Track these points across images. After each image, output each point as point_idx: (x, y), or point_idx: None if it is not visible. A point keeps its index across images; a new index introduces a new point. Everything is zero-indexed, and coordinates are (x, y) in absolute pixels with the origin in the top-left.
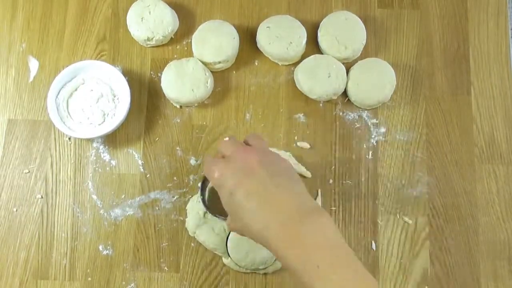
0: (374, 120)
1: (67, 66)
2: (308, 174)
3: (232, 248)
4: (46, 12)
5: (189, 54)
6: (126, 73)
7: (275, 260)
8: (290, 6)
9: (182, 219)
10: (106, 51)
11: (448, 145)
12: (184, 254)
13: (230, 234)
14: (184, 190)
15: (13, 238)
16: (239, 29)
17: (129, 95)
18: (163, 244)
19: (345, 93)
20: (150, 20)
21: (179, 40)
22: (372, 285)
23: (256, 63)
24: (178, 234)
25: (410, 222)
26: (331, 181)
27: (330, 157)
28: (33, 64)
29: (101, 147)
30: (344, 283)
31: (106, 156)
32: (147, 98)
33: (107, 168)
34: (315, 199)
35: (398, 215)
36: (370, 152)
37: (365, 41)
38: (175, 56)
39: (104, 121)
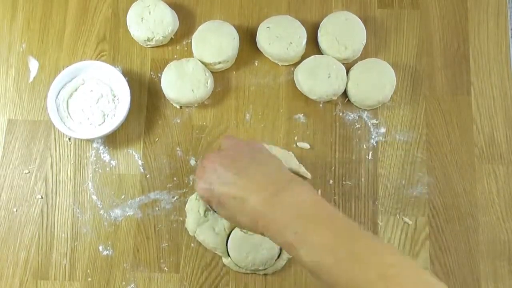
0: (374, 121)
1: (67, 66)
2: (308, 175)
3: (232, 248)
4: (46, 12)
5: (189, 54)
6: (126, 74)
7: (275, 261)
8: (290, 6)
9: (182, 219)
10: (106, 51)
11: (448, 145)
12: (184, 254)
13: (230, 234)
14: (184, 190)
15: (13, 238)
16: (239, 29)
17: (129, 95)
18: (163, 245)
19: (345, 94)
20: (150, 20)
21: (179, 40)
22: (358, 235)
23: (256, 63)
24: (178, 234)
25: (410, 222)
26: (331, 181)
27: (330, 157)
28: (33, 64)
29: (101, 147)
30: (326, 242)
31: (106, 157)
32: (147, 98)
33: (107, 169)
34: None
35: (398, 215)
36: (370, 153)
37: (365, 41)
38: (175, 56)
39: (104, 121)
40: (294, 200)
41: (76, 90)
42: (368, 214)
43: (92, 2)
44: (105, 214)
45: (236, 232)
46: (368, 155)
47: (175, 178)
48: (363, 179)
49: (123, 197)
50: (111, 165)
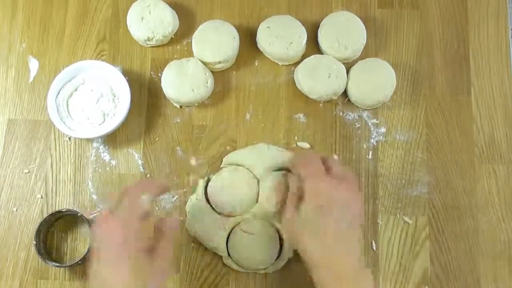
0: (374, 120)
1: (67, 66)
2: None
3: (232, 248)
4: (46, 12)
5: (189, 54)
6: (126, 73)
7: (275, 261)
8: (290, 6)
9: (182, 219)
10: (106, 51)
11: (448, 145)
12: (184, 254)
13: (230, 234)
14: (184, 190)
15: (13, 238)
16: (239, 29)
17: (129, 95)
18: None
19: (345, 93)
20: (150, 20)
21: (179, 40)
22: None
23: (256, 63)
24: (178, 234)
25: (410, 222)
26: None
27: None
28: (33, 64)
29: (101, 147)
30: None
31: (106, 156)
32: (147, 98)
33: (107, 168)
34: None
35: (398, 215)
36: (370, 152)
37: (365, 41)
38: (175, 56)
39: (104, 121)
40: None
41: (76, 89)
42: (368, 213)
43: (92, 2)
44: None
45: (236, 232)
46: (368, 155)
47: (175, 178)
48: (363, 179)
49: None
50: (111, 165)
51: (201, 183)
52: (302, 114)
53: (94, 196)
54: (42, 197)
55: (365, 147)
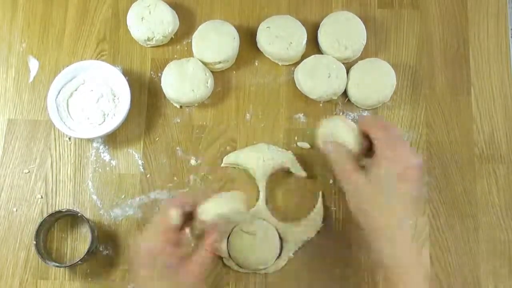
0: None
1: (67, 66)
2: (303, 173)
3: (232, 248)
4: (46, 12)
5: (189, 54)
6: (126, 73)
7: (275, 261)
8: (290, 6)
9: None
10: (106, 51)
11: (448, 145)
12: None
13: (231, 234)
14: (184, 190)
15: (13, 238)
16: (239, 29)
17: (129, 95)
18: None
19: (345, 93)
20: (150, 20)
21: (179, 40)
22: None
23: (256, 63)
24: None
25: (410, 222)
26: (331, 181)
27: None
28: (33, 64)
29: (101, 147)
30: None
31: (106, 156)
32: (147, 98)
33: (107, 168)
34: (317, 201)
35: None
36: None
37: (365, 41)
38: (175, 56)
39: (104, 121)
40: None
41: (76, 89)
42: None
43: (92, 2)
44: (105, 214)
45: (237, 232)
46: None
47: (175, 178)
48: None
49: (123, 196)
50: (111, 165)
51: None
52: (302, 114)
53: (94, 196)
54: (42, 197)
55: None
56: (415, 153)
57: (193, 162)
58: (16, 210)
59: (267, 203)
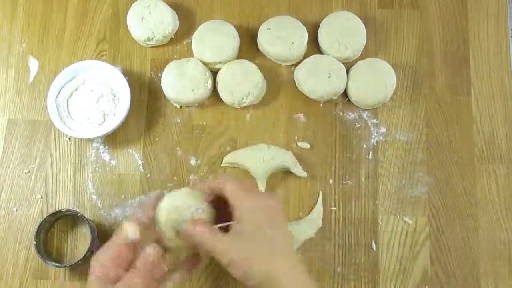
0: (374, 120)
1: (67, 66)
2: (304, 174)
3: None
4: (46, 12)
5: (189, 54)
6: (126, 73)
7: None
8: (290, 6)
9: None
10: (106, 51)
11: (448, 145)
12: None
13: None
14: None
15: (13, 238)
16: (239, 29)
17: (129, 95)
18: None
19: (345, 93)
20: (150, 20)
21: (179, 40)
22: None
23: (256, 63)
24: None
25: (410, 222)
26: (331, 181)
27: (330, 157)
28: (33, 64)
29: (101, 147)
30: None
31: (106, 156)
32: (147, 98)
33: (107, 168)
34: (317, 201)
35: (398, 215)
36: (370, 152)
37: (365, 41)
38: (175, 56)
39: (104, 121)
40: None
41: (76, 89)
42: (368, 213)
43: (92, 2)
44: (105, 214)
45: None
46: (368, 155)
47: (175, 178)
48: (363, 179)
49: (123, 196)
50: (111, 165)
51: None
52: (302, 114)
53: (94, 196)
54: (42, 197)
55: (365, 147)
56: (264, 195)
57: (193, 162)
58: (16, 210)
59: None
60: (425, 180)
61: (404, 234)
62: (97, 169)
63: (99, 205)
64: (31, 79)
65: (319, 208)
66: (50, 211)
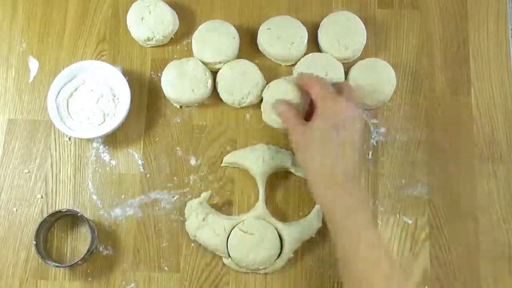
0: (374, 120)
1: (67, 66)
2: (303, 173)
3: (232, 248)
4: (46, 12)
5: (189, 54)
6: (126, 73)
7: (275, 261)
8: (290, 6)
9: (182, 219)
10: (106, 51)
11: (448, 145)
12: (184, 254)
13: (230, 234)
14: (184, 190)
15: (13, 238)
16: (239, 29)
17: (129, 95)
18: (163, 244)
19: None
20: (150, 20)
21: (179, 40)
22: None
23: (256, 63)
24: (178, 234)
25: (410, 222)
26: None
27: None
28: (33, 64)
29: (101, 147)
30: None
31: (106, 156)
32: (147, 98)
33: (107, 168)
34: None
35: (398, 215)
36: (370, 152)
37: (365, 41)
38: (175, 56)
39: (104, 121)
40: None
41: (76, 89)
42: None
43: (92, 2)
44: (105, 214)
45: (236, 232)
46: (368, 155)
47: (175, 178)
48: (363, 179)
49: (123, 196)
50: (111, 165)
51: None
52: None
53: (94, 196)
54: (42, 197)
55: (365, 147)
56: (352, 106)
57: (193, 162)
58: (16, 210)
59: (266, 203)
60: (425, 180)
61: (404, 234)
62: (97, 169)
63: (99, 205)
64: (31, 79)
65: (319, 208)
66: (50, 211)
